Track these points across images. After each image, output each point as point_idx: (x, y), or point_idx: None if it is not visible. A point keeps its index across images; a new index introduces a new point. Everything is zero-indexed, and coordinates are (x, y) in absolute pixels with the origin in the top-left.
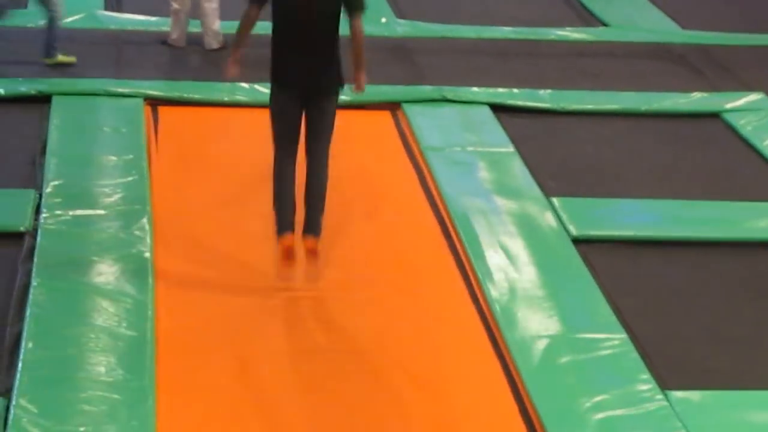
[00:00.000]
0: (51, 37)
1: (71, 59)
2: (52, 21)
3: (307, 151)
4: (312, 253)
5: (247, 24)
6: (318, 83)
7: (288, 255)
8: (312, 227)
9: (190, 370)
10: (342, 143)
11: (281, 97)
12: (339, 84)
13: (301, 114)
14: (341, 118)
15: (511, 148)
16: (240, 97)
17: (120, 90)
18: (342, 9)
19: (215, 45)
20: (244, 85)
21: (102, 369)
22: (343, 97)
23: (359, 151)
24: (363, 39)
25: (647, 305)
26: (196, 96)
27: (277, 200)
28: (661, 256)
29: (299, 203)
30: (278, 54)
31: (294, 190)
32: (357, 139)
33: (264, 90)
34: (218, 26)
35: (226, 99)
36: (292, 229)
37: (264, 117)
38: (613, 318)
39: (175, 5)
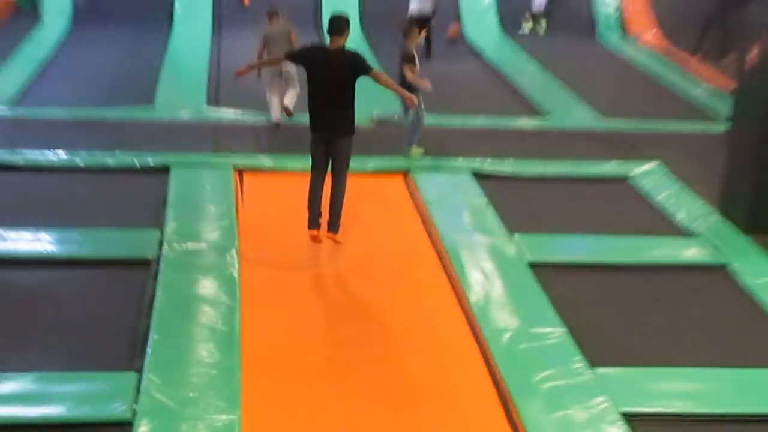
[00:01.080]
0: (413, 132)
1: (420, 150)
2: (417, 120)
3: (332, 175)
4: (334, 241)
5: (268, 62)
6: (334, 129)
7: (314, 240)
8: (333, 226)
9: (267, 356)
10: (365, 199)
11: (312, 137)
12: (351, 131)
13: (326, 150)
14: (367, 180)
15: (485, 201)
16: (300, 165)
17: (216, 161)
18: (358, 76)
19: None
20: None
21: (204, 353)
22: (371, 165)
23: (380, 204)
24: (388, 79)
25: (589, 318)
26: (271, 164)
27: (310, 206)
28: (604, 278)
29: (324, 209)
30: (310, 107)
31: (320, 200)
32: (377, 196)
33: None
34: (288, 102)
35: (289, 166)
36: (318, 226)
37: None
38: (556, 317)
39: (270, 94)
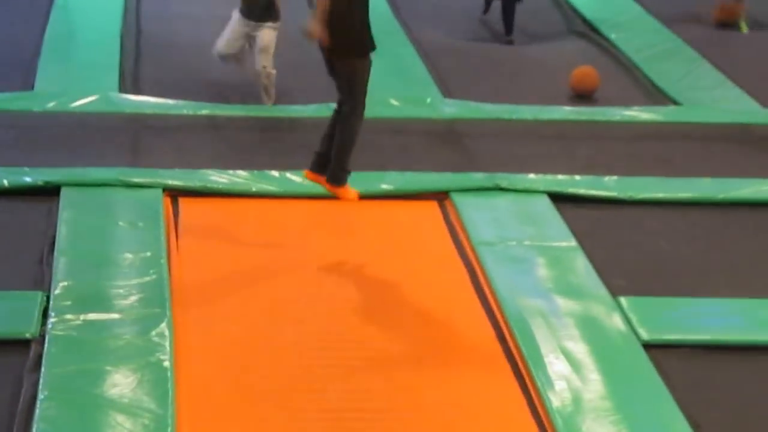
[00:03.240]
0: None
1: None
2: None
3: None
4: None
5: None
6: (333, 48)
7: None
8: (330, 174)
9: None
10: (385, 237)
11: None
12: (354, 52)
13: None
14: (383, 209)
15: (573, 242)
16: (269, 187)
17: (136, 180)
18: None
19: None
20: (274, 173)
21: None
22: (386, 186)
23: (403, 246)
24: None
25: (729, 421)
26: (221, 186)
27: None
28: (746, 363)
29: None
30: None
31: (330, 138)
32: (401, 232)
33: (295, 178)
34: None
35: (254, 189)
36: (315, 167)
37: (294, 208)
38: None
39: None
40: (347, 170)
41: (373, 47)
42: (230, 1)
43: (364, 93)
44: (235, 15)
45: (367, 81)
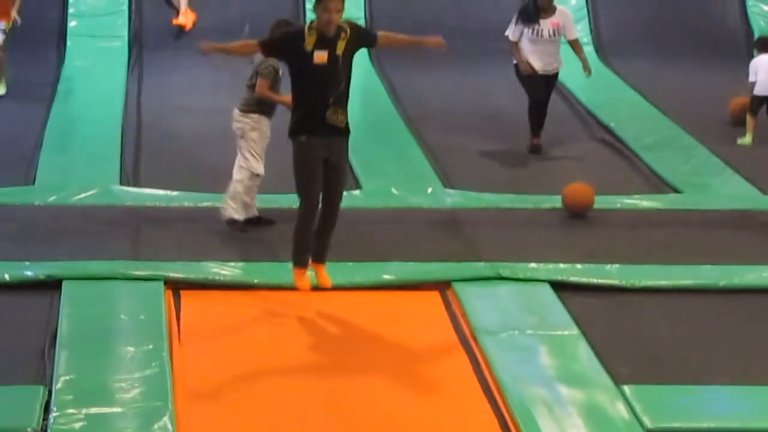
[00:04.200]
0: None
1: None
2: None
3: (327, 195)
4: (321, 281)
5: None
6: (335, 129)
7: (303, 284)
8: (323, 255)
9: None
10: (386, 327)
11: (309, 146)
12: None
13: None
14: (385, 299)
15: (575, 330)
16: (270, 279)
17: (137, 272)
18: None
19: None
20: (275, 264)
21: None
22: (387, 277)
23: (405, 336)
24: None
25: None
26: (222, 278)
27: (300, 240)
28: None
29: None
30: (304, 104)
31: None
32: (403, 322)
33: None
34: (232, 196)
35: (255, 281)
36: (308, 263)
37: (296, 299)
38: None
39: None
40: (295, 257)
41: (304, 132)
42: (230, 94)
43: (298, 180)
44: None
45: (299, 167)
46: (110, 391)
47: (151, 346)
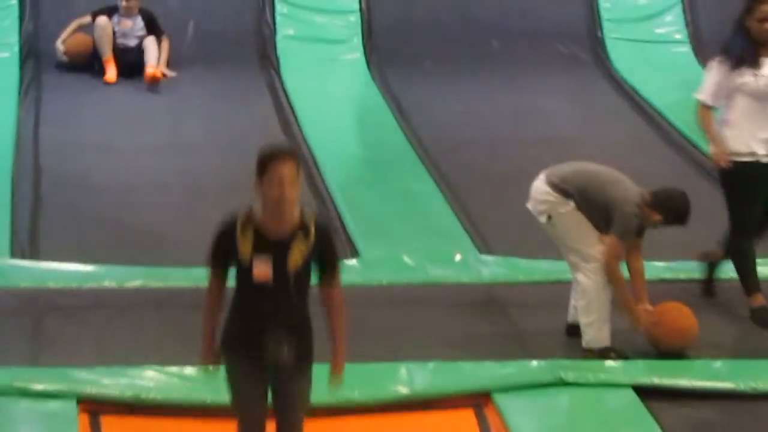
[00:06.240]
0: None
1: None
2: None
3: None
4: None
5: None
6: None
7: None
8: None
9: None
10: None
11: (242, 363)
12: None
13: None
14: (395, 427)
15: None
16: (226, 395)
17: (39, 386)
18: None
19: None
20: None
21: None
22: (401, 389)
23: None
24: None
25: None
26: (158, 395)
27: None
28: None
29: None
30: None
31: None
32: None
33: None
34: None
35: (209, 400)
36: None
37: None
38: None
39: None
40: None
41: (232, 346)
42: (169, 123)
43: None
44: None
45: (229, 389)
46: None
47: None
